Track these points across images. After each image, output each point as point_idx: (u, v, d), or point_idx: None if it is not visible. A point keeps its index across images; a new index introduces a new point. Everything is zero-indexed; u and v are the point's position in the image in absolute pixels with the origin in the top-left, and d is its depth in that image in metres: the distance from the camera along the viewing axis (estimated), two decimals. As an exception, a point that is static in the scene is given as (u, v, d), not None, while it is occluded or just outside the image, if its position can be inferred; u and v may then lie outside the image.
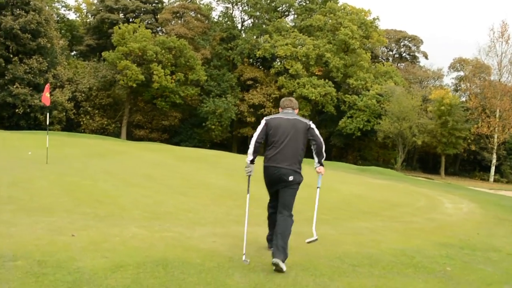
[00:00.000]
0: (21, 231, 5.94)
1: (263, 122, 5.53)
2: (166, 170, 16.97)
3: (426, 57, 66.53)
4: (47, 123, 18.43)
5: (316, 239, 5.56)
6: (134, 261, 4.90)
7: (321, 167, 5.64)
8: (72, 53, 54.70)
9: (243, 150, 53.24)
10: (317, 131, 5.50)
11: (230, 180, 15.56)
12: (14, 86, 41.51)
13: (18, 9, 44.03)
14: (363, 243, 7.09)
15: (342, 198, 13.41)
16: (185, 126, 49.40)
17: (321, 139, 5.52)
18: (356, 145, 53.32)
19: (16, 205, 7.98)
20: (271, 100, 48.66)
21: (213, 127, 46.01)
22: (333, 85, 47.75)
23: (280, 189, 5.39)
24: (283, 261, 4.97)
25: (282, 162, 5.29)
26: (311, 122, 5.51)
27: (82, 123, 45.27)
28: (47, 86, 16.84)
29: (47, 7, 47.40)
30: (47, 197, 9.21)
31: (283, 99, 5.86)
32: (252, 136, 5.62)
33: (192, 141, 48.01)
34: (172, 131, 49.71)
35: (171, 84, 43.61)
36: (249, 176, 5.46)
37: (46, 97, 16.51)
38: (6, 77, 41.96)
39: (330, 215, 9.73)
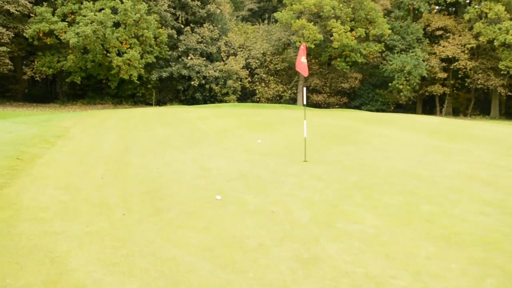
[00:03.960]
0: None
1: None
2: (464, 161, 11.12)
3: None
4: (304, 102, 12.62)
5: None
6: None
7: None
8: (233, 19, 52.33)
9: (430, 111, 46.97)
10: None
11: None
12: (188, 58, 40.08)
13: (185, -23, 42.36)
14: None
15: None
16: (366, 88, 44.30)
17: None
18: None
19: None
20: (466, 52, 41.47)
21: (401, 86, 40.31)
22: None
23: None
24: None
25: None
26: None
27: (257, 91, 42.62)
28: (303, 46, 10.81)
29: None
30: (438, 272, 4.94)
31: None
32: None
33: (374, 104, 43.04)
34: (351, 94, 45.05)
35: (351, 41, 38.79)
36: None
37: (301, 64, 10.75)
38: (179, 49, 40.81)
39: None
